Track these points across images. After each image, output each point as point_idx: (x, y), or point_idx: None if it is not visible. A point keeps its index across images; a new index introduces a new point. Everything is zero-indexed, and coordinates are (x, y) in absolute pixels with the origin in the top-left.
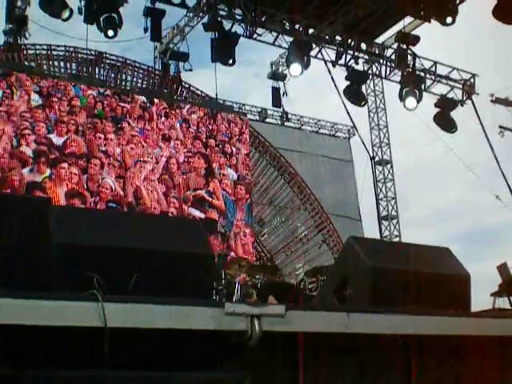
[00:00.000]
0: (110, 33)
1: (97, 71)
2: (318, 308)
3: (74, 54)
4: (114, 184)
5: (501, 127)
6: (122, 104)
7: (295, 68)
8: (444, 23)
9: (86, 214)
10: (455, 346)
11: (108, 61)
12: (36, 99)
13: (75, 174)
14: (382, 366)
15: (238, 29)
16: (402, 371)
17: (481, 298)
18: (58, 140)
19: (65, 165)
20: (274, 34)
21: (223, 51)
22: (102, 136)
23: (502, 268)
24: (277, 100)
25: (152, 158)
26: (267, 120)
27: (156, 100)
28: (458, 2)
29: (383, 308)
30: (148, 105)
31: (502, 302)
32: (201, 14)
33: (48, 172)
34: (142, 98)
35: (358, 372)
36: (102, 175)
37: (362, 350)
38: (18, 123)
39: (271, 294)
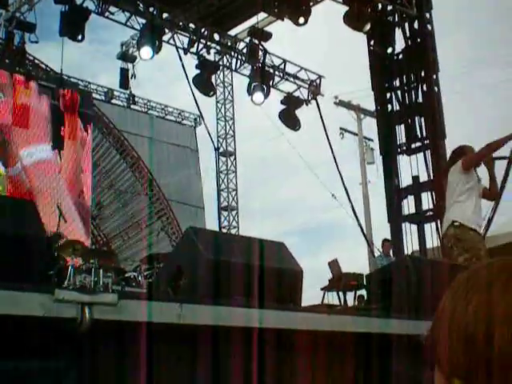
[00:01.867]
0: None
1: None
2: (152, 298)
3: None
4: None
5: (341, 129)
6: None
7: (146, 51)
8: (297, 23)
9: None
10: (289, 340)
11: None
12: None
13: None
14: (218, 356)
15: (90, 4)
16: (240, 362)
17: (312, 291)
18: None
19: None
20: (127, 14)
21: (72, 26)
22: None
23: (333, 264)
24: (125, 82)
25: None
26: (113, 101)
27: None
28: (311, 3)
29: (218, 300)
30: None
31: (332, 297)
32: None
33: None
34: None
35: (193, 363)
36: None
37: (198, 341)
38: None
39: None
